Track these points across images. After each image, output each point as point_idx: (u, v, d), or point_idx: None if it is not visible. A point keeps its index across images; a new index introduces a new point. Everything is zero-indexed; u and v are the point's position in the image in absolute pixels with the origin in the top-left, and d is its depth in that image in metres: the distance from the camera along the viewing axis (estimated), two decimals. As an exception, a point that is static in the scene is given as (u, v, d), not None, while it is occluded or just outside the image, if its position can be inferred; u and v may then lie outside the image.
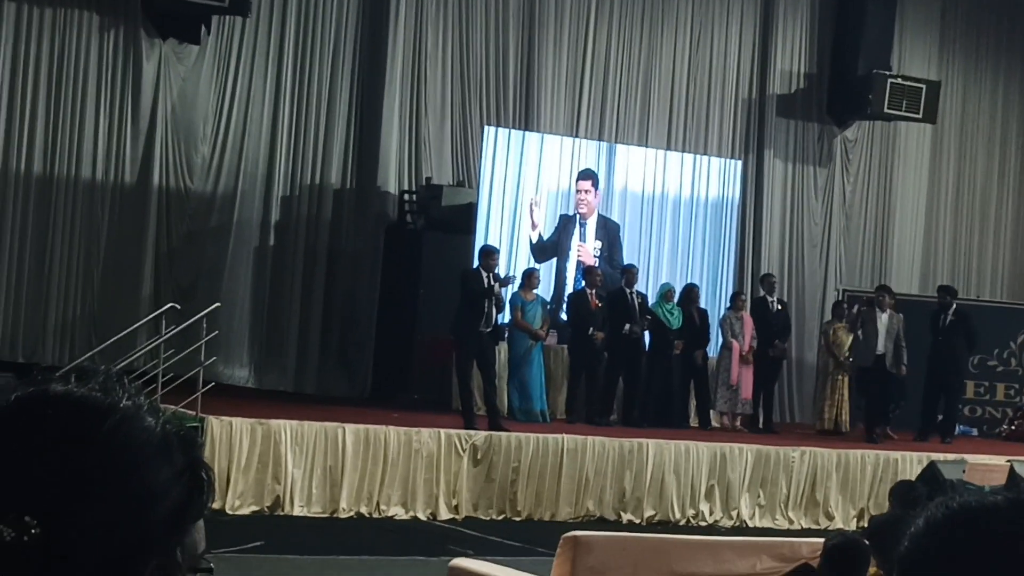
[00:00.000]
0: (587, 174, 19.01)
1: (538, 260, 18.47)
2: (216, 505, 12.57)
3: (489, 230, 18.14)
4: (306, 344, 18.66)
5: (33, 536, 1.31)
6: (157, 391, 13.20)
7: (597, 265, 18.55)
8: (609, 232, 19.17)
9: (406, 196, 18.88)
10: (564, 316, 18.05)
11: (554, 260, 18.77)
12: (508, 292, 16.62)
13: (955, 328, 18.81)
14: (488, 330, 15.80)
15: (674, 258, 19.87)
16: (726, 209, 20.22)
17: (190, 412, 13.53)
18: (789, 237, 22.07)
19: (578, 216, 18.92)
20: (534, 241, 18.63)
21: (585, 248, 18.89)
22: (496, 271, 16.12)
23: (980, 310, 20.20)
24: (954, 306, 19.01)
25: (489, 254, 16.21)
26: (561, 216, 18.87)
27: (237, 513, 13.51)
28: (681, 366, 17.99)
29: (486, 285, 15.79)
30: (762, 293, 19.40)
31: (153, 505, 1.37)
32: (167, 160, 18.07)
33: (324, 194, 18.87)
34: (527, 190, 18.68)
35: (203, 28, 17.97)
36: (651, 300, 18.16)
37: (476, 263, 16.31)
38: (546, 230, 18.74)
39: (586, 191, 18.92)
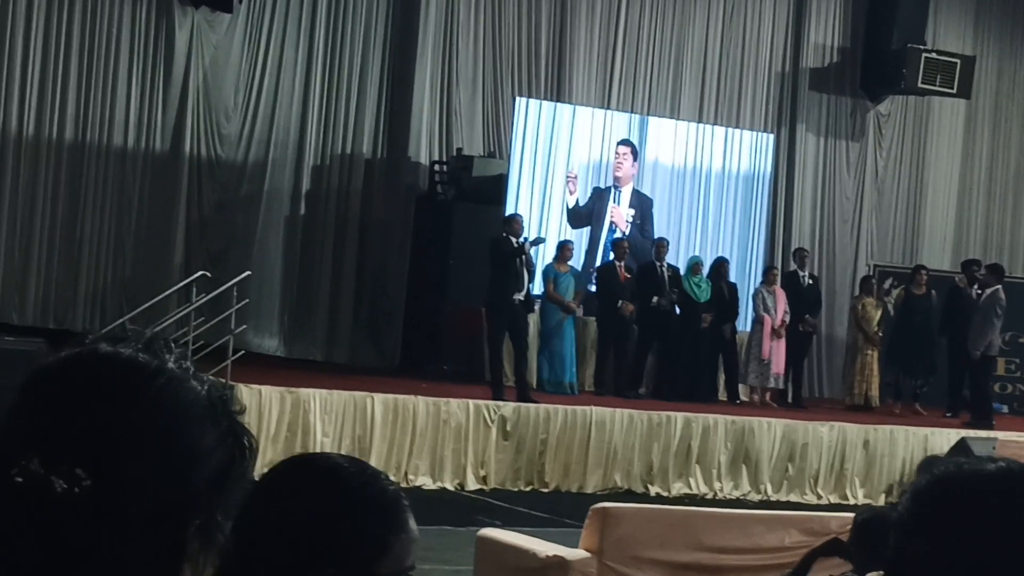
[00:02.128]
0: (627, 142, 19.10)
1: (573, 226, 18.52)
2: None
3: (520, 201, 18.14)
4: (336, 314, 18.69)
5: (84, 488, 1.33)
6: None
7: (629, 232, 18.61)
8: (643, 204, 19.21)
9: (437, 167, 18.87)
10: (593, 288, 18.06)
11: (587, 232, 18.78)
12: (539, 252, 16.63)
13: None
14: (521, 298, 15.80)
15: (705, 231, 19.84)
16: (758, 183, 20.18)
17: (220, 380, 13.56)
18: (820, 212, 21.99)
19: (613, 184, 18.95)
20: (571, 206, 18.67)
21: (619, 211, 18.92)
22: (524, 237, 16.11)
23: (1012, 287, 20.07)
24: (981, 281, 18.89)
25: (513, 220, 16.21)
26: (595, 189, 18.89)
27: (266, 481, 13.53)
28: (710, 340, 17.97)
29: (514, 252, 15.77)
30: (793, 267, 19.35)
31: (197, 466, 1.39)
32: (198, 129, 18.09)
33: (355, 164, 18.87)
34: (559, 162, 18.68)
35: (235, -3, 17.97)
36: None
37: (503, 232, 16.31)
38: (582, 199, 18.81)
39: (624, 155, 18.96)
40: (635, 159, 19.14)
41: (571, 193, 18.70)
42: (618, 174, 19.00)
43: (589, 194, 18.88)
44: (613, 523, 7.96)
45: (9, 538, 1.33)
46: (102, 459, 1.34)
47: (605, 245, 18.65)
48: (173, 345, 1.45)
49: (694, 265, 18.17)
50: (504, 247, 15.81)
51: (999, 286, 18.32)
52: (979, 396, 18.56)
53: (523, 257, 15.80)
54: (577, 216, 18.74)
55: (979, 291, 18.61)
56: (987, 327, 18.15)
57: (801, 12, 21.59)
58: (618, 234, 18.70)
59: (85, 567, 1.33)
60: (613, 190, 19.00)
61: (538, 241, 16.39)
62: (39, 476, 1.33)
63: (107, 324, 16.34)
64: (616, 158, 18.98)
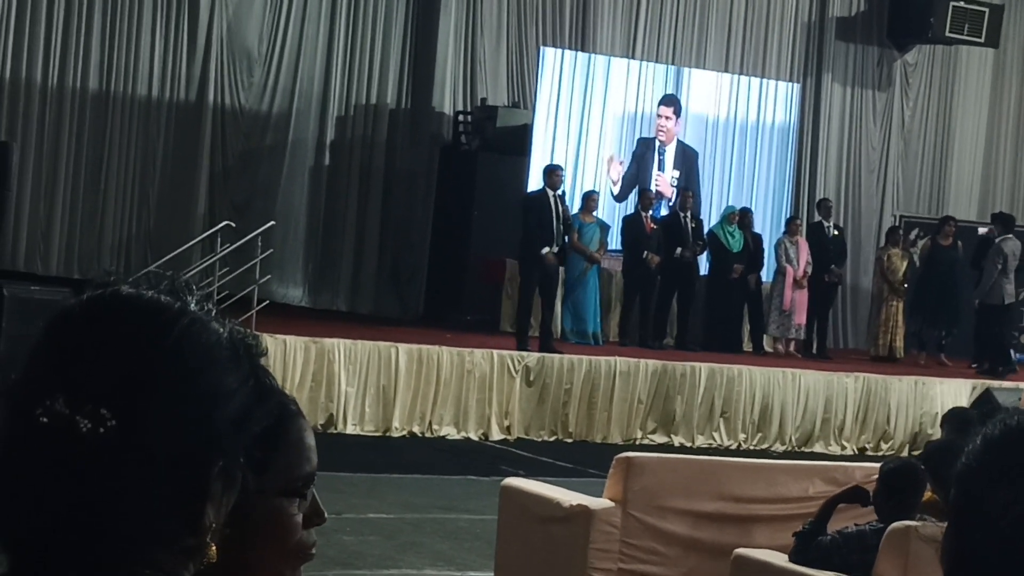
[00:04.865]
0: (670, 100, 19.00)
1: (620, 199, 18.45)
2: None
3: (554, 152, 18.10)
4: (360, 264, 18.71)
5: (109, 428, 1.33)
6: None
7: (675, 197, 18.60)
8: (687, 160, 19.11)
9: (461, 117, 18.82)
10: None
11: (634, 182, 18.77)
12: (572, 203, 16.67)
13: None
14: (555, 251, 15.77)
15: (730, 182, 19.78)
16: (783, 133, 20.08)
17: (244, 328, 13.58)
18: (846, 162, 21.89)
19: (657, 143, 18.87)
20: (615, 193, 18.53)
21: (663, 178, 18.86)
22: (562, 190, 16.06)
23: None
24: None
25: (554, 172, 16.13)
26: (639, 140, 18.82)
27: (291, 431, 13.57)
28: (738, 290, 17.97)
29: (551, 205, 15.70)
30: (818, 218, 19.28)
31: (220, 407, 1.38)
32: (222, 79, 18.07)
33: (379, 114, 18.84)
34: (586, 112, 18.61)
35: (259, -54, 17.91)
36: (712, 223, 18.18)
37: (541, 183, 16.23)
38: (623, 165, 18.70)
39: (667, 117, 18.89)
40: (678, 116, 19.04)
41: (613, 183, 18.42)
42: (661, 137, 18.91)
43: (631, 148, 18.79)
44: (637, 472, 7.96)
45: (35, 478, 1.33)
46: (126, 400, 1.34)
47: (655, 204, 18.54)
48: (195, 287, 1.44)
49: (729, 215, 18.15)
50: (537, 205, 15.72)
51: (1008, 235, 18.29)
52: (992, 345, 18.56)
53: (558, 211, 15.72)
54: (622, 194, 18.58)
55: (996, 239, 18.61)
56: (987, 276, 18.14)
57: (828, -40, 21.43)
58: (665, 202, 18.68)
59: (110, 507, 1.33)
60: (657, 153, 18.91)
61: (571, 224, 16.18)
62: (64, 416, 1.33)
63: (132, 274, 16.28)
64: (659, 119, 18.90)
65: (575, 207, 17.08)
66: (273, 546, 1.85)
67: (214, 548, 1.41)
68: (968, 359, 18.94)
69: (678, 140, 19.09)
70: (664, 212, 18.41)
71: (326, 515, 1.89)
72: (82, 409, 1.33)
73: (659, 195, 18.64)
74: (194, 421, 1.36)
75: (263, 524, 1.82)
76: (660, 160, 18.92)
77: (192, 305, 1.42)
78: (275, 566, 1.86)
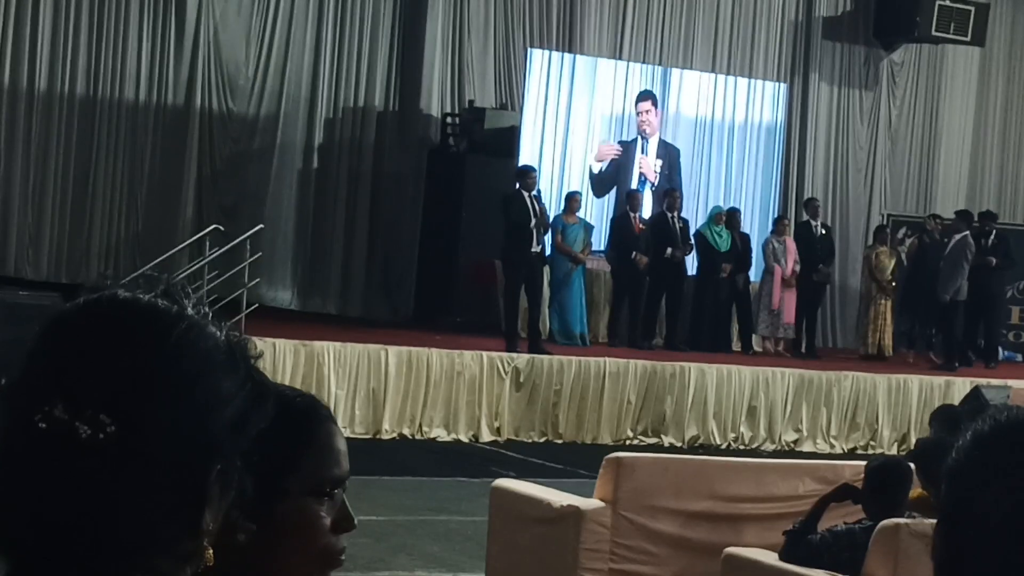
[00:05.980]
0: (646, 95, 19.10)
1: (597, 194, 18.50)
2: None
3: (542, 153, 18.11)
4: (349, 267, 18.71)
5: (109, 435, 1.33)
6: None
7: (658, 183, 18.64)
8: (670, 155, 19.19)
9: (448, 119, 18.83)
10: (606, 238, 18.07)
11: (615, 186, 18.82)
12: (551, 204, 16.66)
13: (994, 252, 18.70)
14: (537, 251, 15.79)
15: (719, 182, 19.82)
16: (771, 133, 20.12)
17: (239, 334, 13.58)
18: (834, 161, 21.92)
19: (639, 137, 18.96)
20: (594, 171, 18.63)
21: (647, 161, 18.93)
22: (537, 190, 16.09)
23: (1024, 235, 20.06)
24: (994, 231, 18.90)
25: (526, 173, 16.16)
26: (619, 143, 18.88)
27: (281, 434, 13.55)
28: (726, 290, 18.00)
29: (529, 206, 15.72)
30: (806, 217, 19.32)
31: (218, 412, 1.38)
32: (210, 82, 18.06)
33: (367, 116, 18.84)
34: (573, 114, 18.63)
35: (245, -51, 17.90)
36: (699, 223, 18.21)
37: (516, 185, 16.28)
38: (606, 164, 18.78)
39: (647, 111, 18.97)
40: (657, 108, 19.13)
41: (598, 160, 18.59)
42: (645, 128, 18.99)
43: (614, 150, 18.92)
44: (627, 473, 7.97)
45: (34, 484, 1.33)
46: (125, 405, 1.34)
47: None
48: (191, 291, 1.45)
49: (716, 215, 18.19)
50: (516, 207, 15.75)
51: (967, 232, 18.38)
52: (952, 341, 18.63)
53: (537, 211, 15.74)
54: (600, 183, 18.69)
55: (946, 238, 18.68)
56: (956, 273, 18.23)
57: (814, -40, 21.47)
58: (648, 185, 18.75)
59: (109, 513, 1.33)
60: (640, 141, 19.00)
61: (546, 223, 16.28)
62: (63, 422, 1.33)
63: (120, 279, 16.29)
64: (639, 115, 18.97)
65: (560, 208, 17.11)
66: (299, 547, 1.85)
67: (211, 551, 1.42)
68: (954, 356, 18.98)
69: (660, 138, 19.15)
70: (648, 193, 18.50)
71: (356, 522, 1.88)
72: (81, 415, 1.32)
73: (642, 177, 18.71)
74: (193, 426, 1.36)
75: (289, 524, 1.83)
76: (643, 146, 19.02)
77: (189, 309, 1.42)
78: (302, 568, 1.86)
